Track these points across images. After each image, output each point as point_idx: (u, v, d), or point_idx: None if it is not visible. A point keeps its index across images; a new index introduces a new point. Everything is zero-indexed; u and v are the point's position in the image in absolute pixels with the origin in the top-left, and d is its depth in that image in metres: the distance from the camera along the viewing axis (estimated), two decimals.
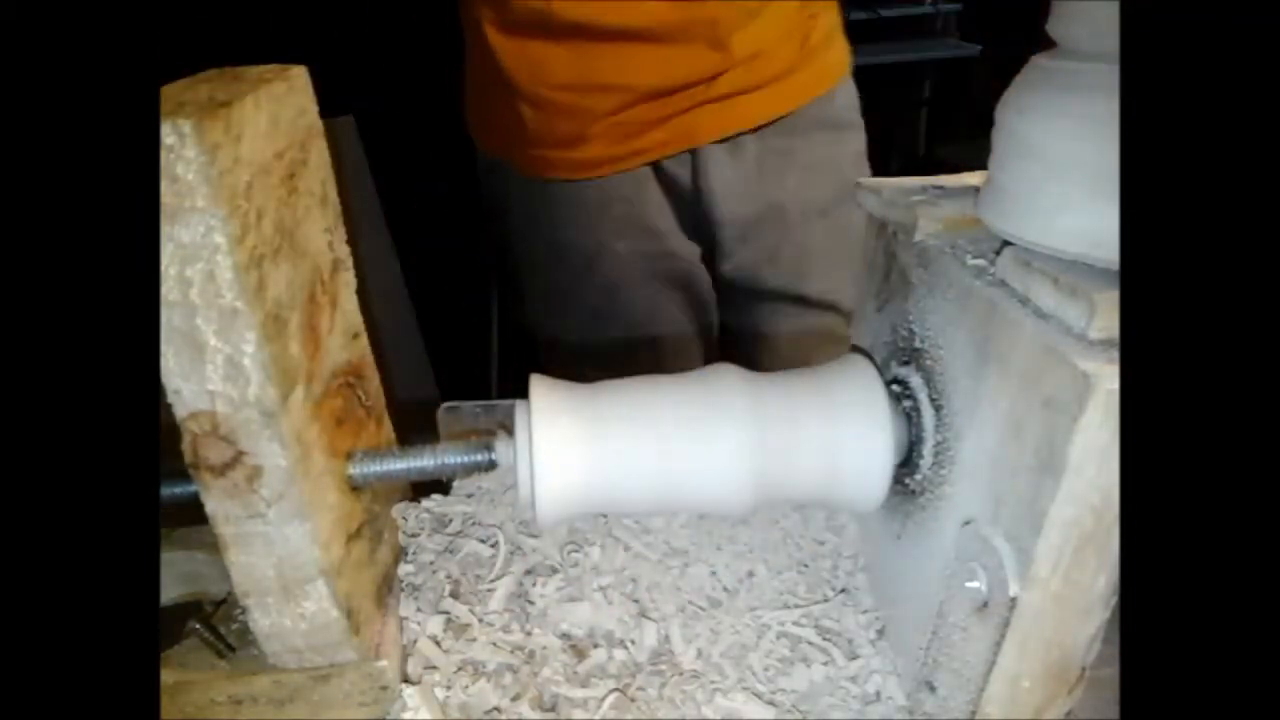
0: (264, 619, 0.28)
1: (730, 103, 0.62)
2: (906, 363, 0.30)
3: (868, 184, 0.32)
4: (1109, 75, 0.20)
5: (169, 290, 0.22)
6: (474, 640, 0.31)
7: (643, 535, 0.36)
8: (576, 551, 0.35)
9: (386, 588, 0.33)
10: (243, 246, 0.22)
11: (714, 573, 0.34)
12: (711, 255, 0.69)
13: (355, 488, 0.30)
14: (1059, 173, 0.22)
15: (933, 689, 0.28)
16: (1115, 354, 0.20)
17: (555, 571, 0.34)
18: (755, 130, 0.63)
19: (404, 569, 0.34)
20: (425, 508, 0.37)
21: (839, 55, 0.68)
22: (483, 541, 0.35)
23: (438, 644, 0.31)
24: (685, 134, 0.62)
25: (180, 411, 0.24)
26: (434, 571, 0.34)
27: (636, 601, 0.33)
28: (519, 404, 0.30)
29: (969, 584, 0.24)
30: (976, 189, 0.27)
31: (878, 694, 0.30)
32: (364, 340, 0.33)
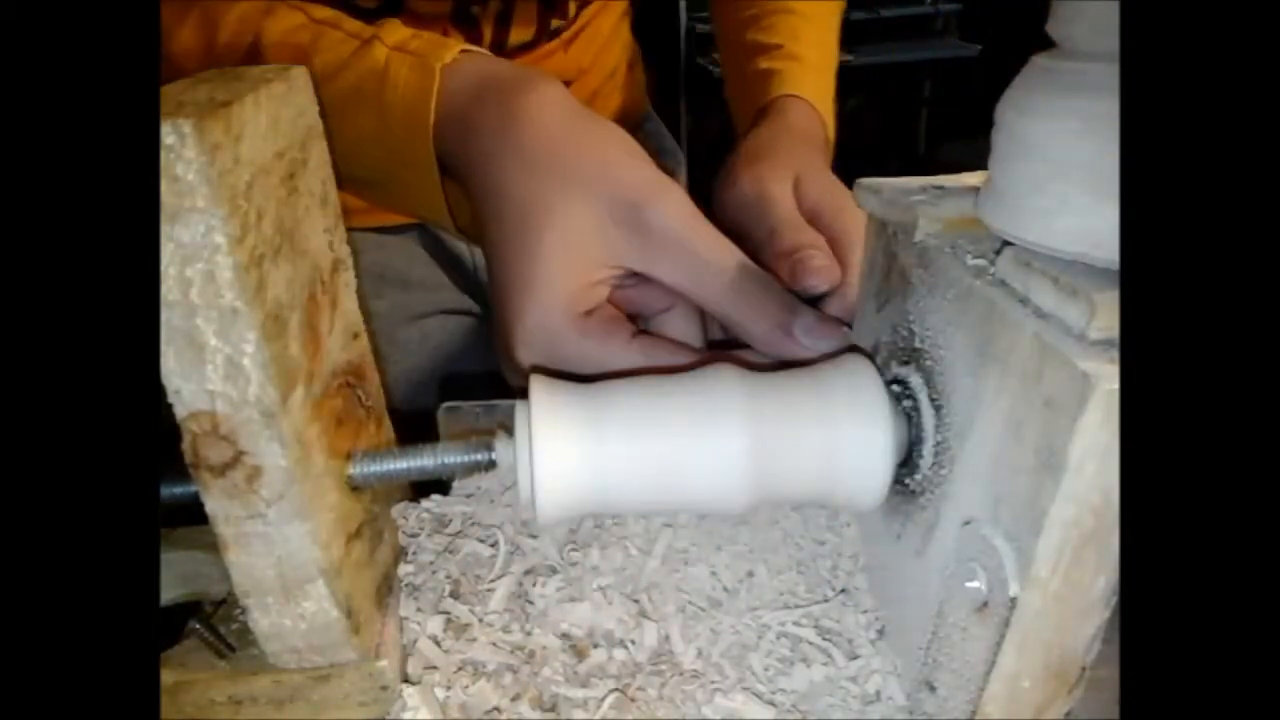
0: (264, 619, 0.28)
1: None
2: (906, 363, 0.30)
3: (868, 184, 0.32)
4: (1109, 75, 0.20)
5: (169, 290, 0.22)
6: (474, 640, 0.31)
7: (643, 535, 0.36)
8: (576, 551, 0.35)
9: (386, 588, 0.33)
10: (243, 246, 0.22)
11: (714, 573, 0.34)
12: None
13: (355, 488, 0.30)
14: (1059, 173, 0.22)
15: (933, 689, 0.28)
16: (1115, 354, 0.20)
17: (555, 571, 0.34)
18: None
19: (404, 569, 0.34)
20: (425, 508, 0.37)
21: None
22: (483, 541, 0.35)
23: (438, 644, 0.31)
24: None
25: (180, 411, 0.24)
26: (434, 571, 0.34)
27: (636, 601, 0.33)
28: (519, 404, 0.30)
29: (969, 584, 0.24)
30: (976, 189, 0.27)
31: (878, 694, 0.30)
32: (364, 340, 0.33)
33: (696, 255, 0.36)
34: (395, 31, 0.43)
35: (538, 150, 0.38)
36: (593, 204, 0.37)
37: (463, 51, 0.42)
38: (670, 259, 0.37)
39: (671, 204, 0.37)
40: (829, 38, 0.65)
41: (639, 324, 0.40)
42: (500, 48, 0.61)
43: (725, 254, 0.37)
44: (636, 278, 0.39)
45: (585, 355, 0.37)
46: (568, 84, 0.67)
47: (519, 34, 0.61)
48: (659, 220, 0.36)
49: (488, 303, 0.68)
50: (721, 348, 0.40)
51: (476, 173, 0.40)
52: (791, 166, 0.48)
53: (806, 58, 0.61)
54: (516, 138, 0.38)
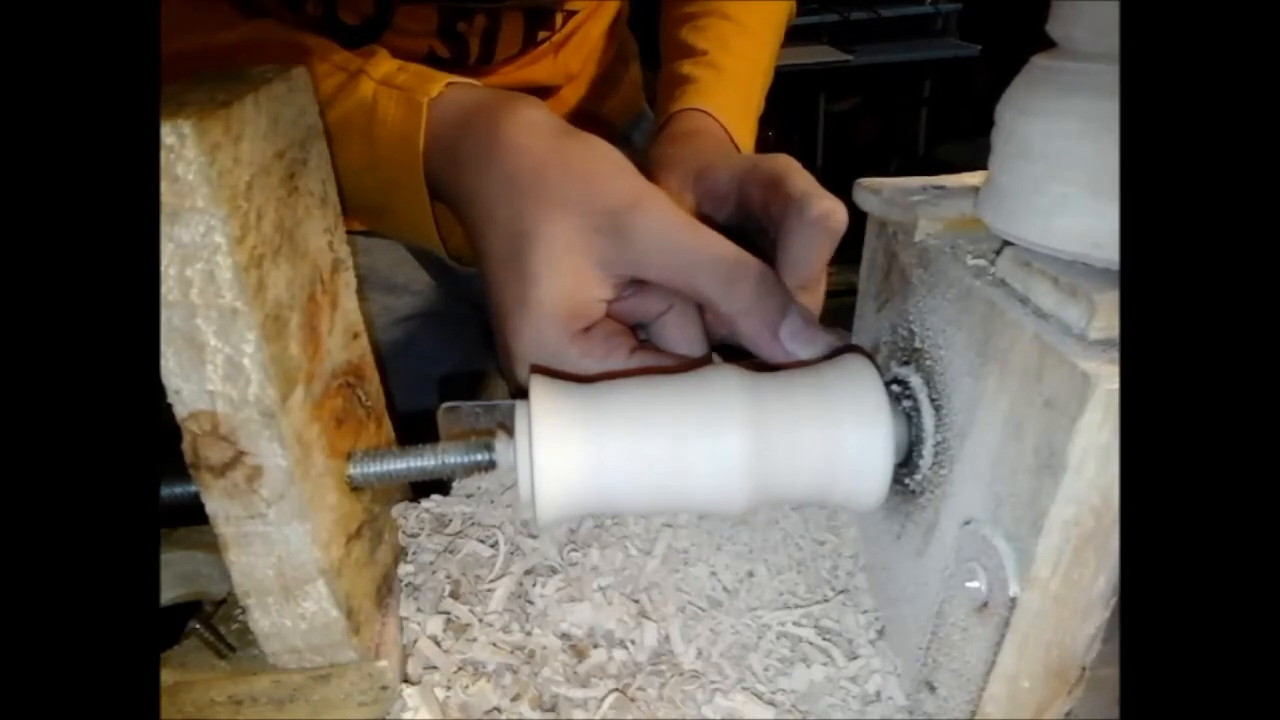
0: (264, 619, 0.28)
1: None
2: (906, 363, 0.30)
3: (868, 184, 0.32)
4: (1109, 75, 0.20)
5: (169, 290, 0.22)
6: (474, 640, 0.31)
7: (643, 535, 0.36)
8: (576, 551, 0.35)
9: (386, 588, 0.33)
10: (243, 246, 0.22)
11: (714, 573, 0.34)
12: None
13: (355, 488, 0.30)
14: (1059, 173, 0.22)
15: (933, 689, 0.28)
16: (1115, 354, 0.20)
17: (555, 571, 0.34)
18: None
19: (404, 569, 0.34)
20: (425, 508, 0.37)
21: None
22: (483, 541, 0.35)
23: (438, 644, 0.31)
24: None
25: (180, 411, 0.24)
26: (434, 571, 0.34)
27: (636, 601, 0.33)
28: (519, 404, 0.30)
29: (969, 584, 0.25)
30: (976, 189, 0.27)
31: (878, 694, 0.30)
32: (364, 340, 0.33)
33: (682, 247, 0.37)
34: (381, 64, 0.44)
35: (521, 173, 0.39)
36: (575, 219, 0.37)
37: (449, 85, 0.43)
38: (656, 255, 0.37)
39: (653, 207, 0.37)
40: (760, 49, 0.63)
41: (639, 334, 0.41)
42: (487, 60, 0.62)
43: (714, 243, 0.37)
44: (632, 287, 0.39)
45: (587, 372, 0.37)
46: (558, 89, 0.67)
47: (505, 49, 0.62)
48: (641, 222, 0.37)
49: (474, 305, 0.68)
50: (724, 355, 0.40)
51: (466, 201, 0.41)
52: (690, 171, 0.48)
53: (728, 69, 0.60)
54: (501, 163, 0.39)
